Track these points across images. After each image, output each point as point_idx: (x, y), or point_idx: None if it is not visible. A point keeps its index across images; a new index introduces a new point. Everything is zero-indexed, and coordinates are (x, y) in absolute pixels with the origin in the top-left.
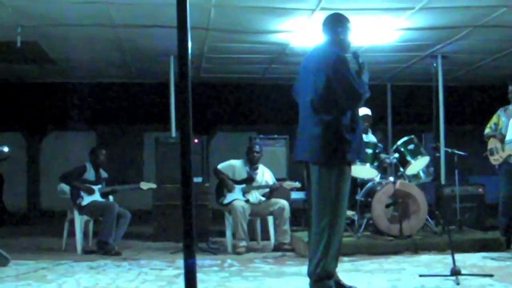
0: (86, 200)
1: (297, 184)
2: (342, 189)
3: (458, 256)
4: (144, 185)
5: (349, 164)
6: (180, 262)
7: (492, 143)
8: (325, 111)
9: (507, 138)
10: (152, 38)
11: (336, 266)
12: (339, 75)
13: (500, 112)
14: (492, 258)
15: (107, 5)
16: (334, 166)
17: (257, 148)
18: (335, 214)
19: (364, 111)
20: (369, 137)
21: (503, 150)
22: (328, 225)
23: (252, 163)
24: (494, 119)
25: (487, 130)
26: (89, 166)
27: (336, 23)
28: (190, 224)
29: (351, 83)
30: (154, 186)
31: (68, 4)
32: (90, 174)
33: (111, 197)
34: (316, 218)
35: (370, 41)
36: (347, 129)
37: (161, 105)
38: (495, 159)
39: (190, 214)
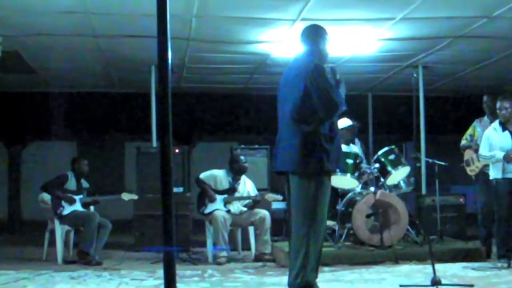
0: (67, 210)
1: (279, 197)
2: (321, 199)
3: (439, 266)
4: (126, 196)
5: (329, 174)
6: (160, 272)
7: (468, 154)
8: (303, 121)
9: (480, 152)
10: (133, 48)
11: (316, 276)
12: (316, 83)
13: (476, 123)
14: (473, 268)
15: (88, 15)
16: (313, 176)
17: (242, 159)
18: (314, 224)
19: (347, 122)
20: (351, 148)
21: (478, 160)
22: (307, 235)
23: (239, 173)
24: (469, 130)
25: (463, 142)
26: (70, 176)
27: (314, 34)
28: (170, 234)
29: (329, 92)
30: (135, 197)
31: (49, 14)
32: (71, 184)
33: (92, 207)
34: (295, 228)
35: (351, 52)
36: (326, 139)
37: (142, 115)
38: (472, 170)
39: (170, 224)
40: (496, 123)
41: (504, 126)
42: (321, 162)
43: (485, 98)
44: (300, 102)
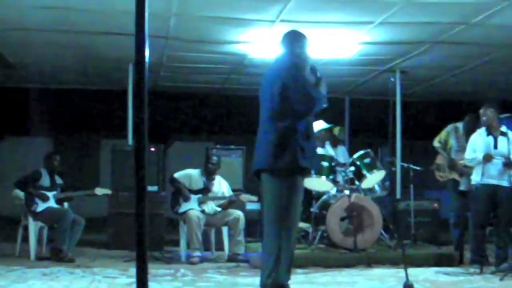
0: (41, 206)
1: (254, 198)
2: (293, 199)
3: (411, 271)
4: (99, 191)
5: (302, 172)
6: (133, 270)
7: (441, 160)
8: (281, 118)
9: (465, 156)
10: (111, 45)
11: (288, 278)
12: (293, 79)
13: (450, 131)
14: (445, 273)
15: (67, 11)
16: (286, 174)
17: (213, 159)
18: (286, 224)
19: (322, 124)
20: (327, 150)
21: (450, 172)
22: (279, 235)
23: (209, 173)
24: (443, 135)
25: (437, 144)
26: (44, 172)
27: (293, 39)
28: (143, 233)
29: (305, 87)
30: (108, 191)
31: (28, 9)
32: (45, 180)
33: (66, 204)
34: (267, 228)
35: (330, 54)
36: (302, 136)
37: (119, 112)
38: (441, 176)
39: (143, 222)
40: (482, 129)
41: (489, 131)
42: (295, 157)
43: (482, 110)
44: (277, 98)
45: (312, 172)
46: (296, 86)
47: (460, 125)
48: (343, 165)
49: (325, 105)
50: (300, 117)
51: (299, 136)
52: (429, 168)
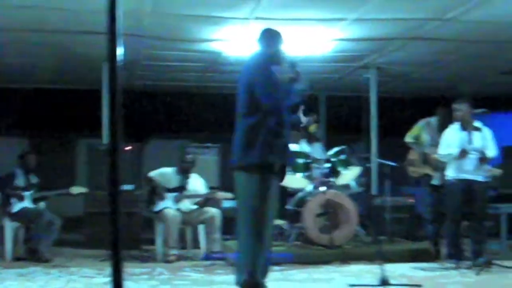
0: (17, 207)
1: (230, 195)
2: (264, 195)
3: (388, 266)
4: (75, 190)
5: (271, 168)
6: (110, 270)
7: (413, 155)
8: (249, 115)
9: (439, 152)
10: (85, 44)
11: (264, 275)
12: (260, 77)
13: (422, 126)
14: (421, 269)
15: (40, 10)
16: (255, 170)
17: (188, 157)
18: (259, 221)
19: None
20: (302, 147)
21: (423, 166)
22: (252, 233)
23: (184, 172)
24: (416, 130)
25: (409, 139)
26: (18, 172)
27: (268, 36)
28: (117, 232)
29: (272, 84)
30: (84, 190)
31: (1, 8)
32: (20, 180)
33: (42, 203)
34: (240, 226)
35: (304, 51)
36: (271, 132)
37: (94, 111)
38: (413, 171)
39: (117, 221)
40: (456, 124)
41: (463, 126)
42: (262, 154)
43: (455, 105)
44: (245, 95)
45: (288, 169)
46: (263, 82)
47: (432, 119)
48: (319, 161)
49: (299, 100)
50: (268, 113)
51: (268, 133)
52: (403, 164)
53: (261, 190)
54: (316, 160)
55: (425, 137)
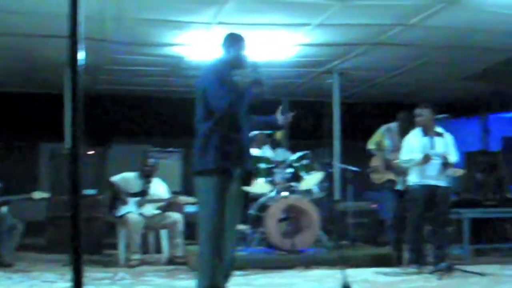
0: None
1: (192, 200)
2: (221, 200)
3: (350, 271)
4: (37, 195)
5: (226, 173)
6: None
7: (376, 161)
8: (204, 120)
9: (400, 157)
10: (47, 48)
11: (226, 280)
12: (212, 82)
13: (384, 131)
14: (384, 274)
15: (2, 13)
16: (209, 176)
17: (150, 162)
18: (216, 226)
19: None
20: (266, 152)
21: (386, 172)
22: (210, 237)
23: (146, 176)
24: (377, 137)
25: (371, 146)
26: None
27: (229, 41)
28: (78, 237)
29: (221, 89)
30: (46, 195)
31: None
32: None
33: (4, 208)
34: (199, 231)
35: (267, 56)
36: (224, 138)
37: (57, 116)
38: (377, 178)
39: (78, 226)
40: (417, 129)
41: (425, 132)
42: (214, 159)
43: (418, 110)
44: (200, 100)
45: (252, 175)
46: (214, 88)
47: (393, 125)
48: (282, 163)
49: (226, 108)
50: (221, 119)
51: (220, 138)
52: (366, 171)
53: (217, 195)
54: (278, 165)
55: (387, 143)
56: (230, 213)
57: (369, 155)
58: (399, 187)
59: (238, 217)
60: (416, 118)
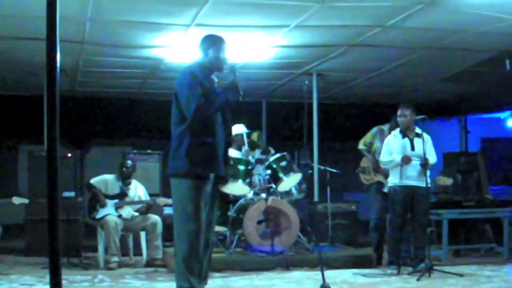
0: None
1: (171, 202)
2: (195, 201)
3: (330, 273)
4: (16, 200)
5: (199, 177)
6: None
7: (366, 162)
8: (177, 124)
9: (380, 158)
10: (26, 50)
11: (204, 282)
12: (183, 85)
13: (376, 133)
14: (363, 275)
15: None
16: (184, 179)
17: (128, 163)
18: (191, 228)
19: (241, 129)
20: (243, 154)
21: (375, 174)
22: (186, 238)
23: (124, 178)
24: (369, 137)
25: (362, 147)
26: None
27: (207, 43)
28: (57, 239)
29: (188, 97)
30: (26, 201)
31: None
32: None
33: None
34: (175, 233)
35: (245, 58)
36: (197, 142)
37: (36, 118)
38: (366, 179)
39: (56, 228)
40: (396, 131)
41: (404, 133)
42: (186, 162)
43: (400, 111)
44: (173, 106)
45: (226, 177)
46: (184, 91)
47: (385, 127)
48: (260, 161)
49: (211, 111)
50: (192, 123)
51: (192, 142)
52: (355, 172)
53: (191, 197)
54: (257, 166)
55: (377, 145)
56: (206, 215)
57: (358, 155)
58: (386, 189)
59: (213, 219)
60: (398, 119)
